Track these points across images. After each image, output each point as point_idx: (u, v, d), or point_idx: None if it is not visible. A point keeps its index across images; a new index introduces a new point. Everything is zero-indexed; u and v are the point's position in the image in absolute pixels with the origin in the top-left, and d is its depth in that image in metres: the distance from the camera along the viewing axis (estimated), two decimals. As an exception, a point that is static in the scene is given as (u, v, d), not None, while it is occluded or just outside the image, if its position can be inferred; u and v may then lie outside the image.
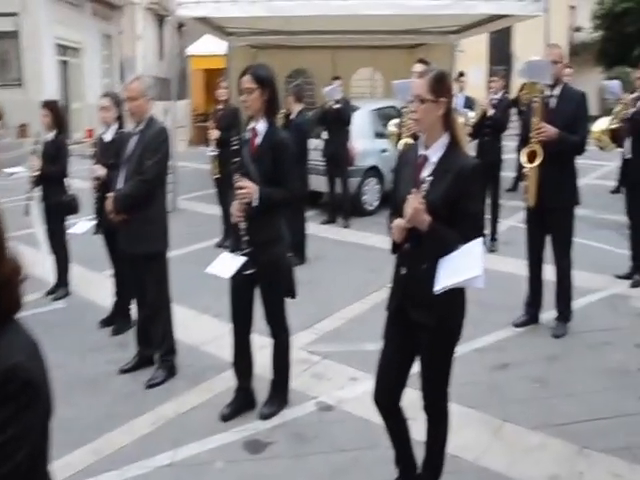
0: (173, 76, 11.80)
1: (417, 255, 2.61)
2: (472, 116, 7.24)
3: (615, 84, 6.18)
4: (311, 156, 8.88)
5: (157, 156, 4.16)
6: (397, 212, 2.62)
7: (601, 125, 6.21)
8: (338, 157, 8.23)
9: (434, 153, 2.61)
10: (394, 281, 2.76)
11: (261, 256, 3.55)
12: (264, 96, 3.53)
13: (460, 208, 2.53)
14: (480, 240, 2.47)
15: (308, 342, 4.82)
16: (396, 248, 2.71)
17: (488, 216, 7.21)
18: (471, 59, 18.36)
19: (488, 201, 7.19)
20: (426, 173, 2.60)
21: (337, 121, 8.13)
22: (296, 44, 15.16)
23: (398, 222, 2.58)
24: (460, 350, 4.52)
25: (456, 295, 2.55)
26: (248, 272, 3.54)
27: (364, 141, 8.90)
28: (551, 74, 4.54)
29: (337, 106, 8.05)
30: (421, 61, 5.61)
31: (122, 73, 21.70)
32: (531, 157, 4.63)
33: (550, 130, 4.51)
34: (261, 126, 3.58)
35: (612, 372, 4.26)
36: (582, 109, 4.65)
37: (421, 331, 2.65)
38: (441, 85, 2.57)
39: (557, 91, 4.69)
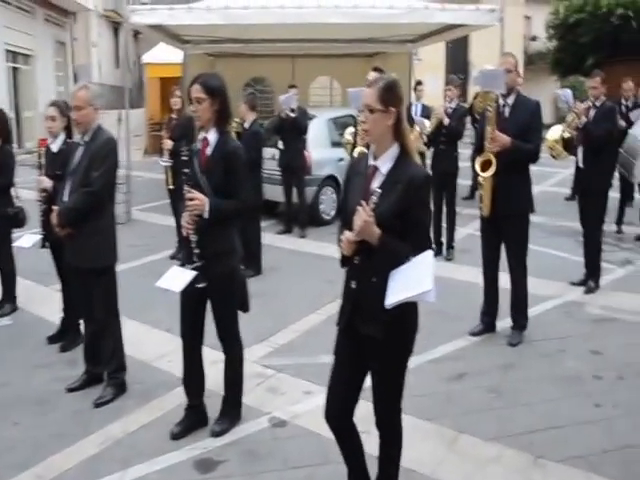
0: (127, 84, 11.61)
1: (367, 268, 2.56)
2: (428, 125, 7.27)
3: (567, 93, 6.27)
4: (267, 165, 8.83)
5: (104, 167, 4.03)
6: (347, 224, 2.56)
7: (554, 134, 6.27)
8: (294, 166, 8.17)
9: (384, 164, 2.56)
10: (344, 295, 2.70)
11: (213, 269, 3.46)
12: (214, 106, 3.45)
13: (410, 219, 2.49)
14: (430, 252, 2.42)
15: (262, 355, 4.72)
16: (346, 261, 2.65)
17: (444, 224, 7.24)
18: (429, 68, 18.55)
19: (444, 209, 7.22)
20: (376, 184, 2.55)
21: (293, 130, 8.07)
22: (254, 52, 15.10)
23: (347, 235, 2.52)
24: (416, 361, 4.52)
25: (407, 308, 2.50)
26: (199, 286, 3.44)
27: (320, 150, 8.85)
28: (504, 83, 4.55)
29: (293, 115, 7.98)
30: (376, 69, 5.58)
31: (76, 81, 21.27)
32: (485, 166, 4.63)
33: (504, 139, 4.52)
34: (212, 136, 3.51)
35: (567, 380, 4.27)
36: (536, 118, 4.67)
37: (372, 346, 2.59)
38: (391, 94, 2.52)
39: (511, 100, 4.71)
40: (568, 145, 6.21)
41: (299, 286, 6.36)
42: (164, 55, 15.82)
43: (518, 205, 4.71)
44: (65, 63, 21.82)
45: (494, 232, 4.83)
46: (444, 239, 7.25)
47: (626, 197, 8.58)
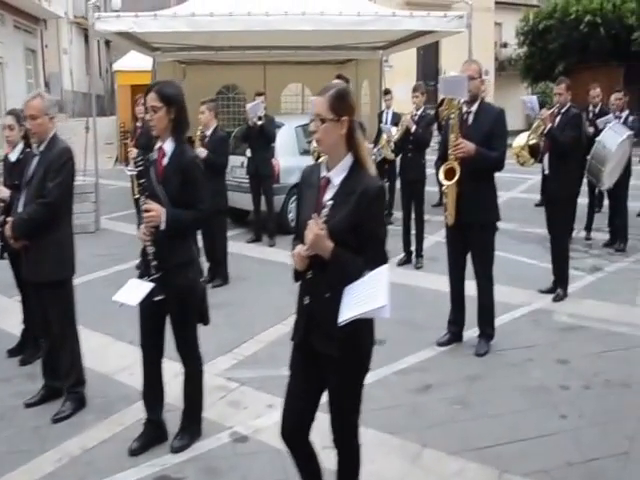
0: (94, 91, 11.45)
1: (320, 283, 2.48)
2: (395, 132, 7.24)
3: (533, 100, 6.26)
4: (236, 173, 8.76)
5: (59, 178, 3.92)
6: (301, 237, 2.48)
7: (520, 141, 6.28)
8: (262, 174, 8.09)
9: (337, 175, 2.49)
10: (298, 311, 2.62)
11: (171, 281, 3.38)
12: (170, 114, 3.37)
13: (365, 232, 2.42)
14: (386, 267, 2.35)
15: (226, 368, 4.63)
16: (298, 276, 2.57)
17: (414, 232, 7.20)
18: (400, 75, 18.60)
19: (413, 217, 7.18)
20: (328, 196, 2.48)
21: (260, 138, 7.98)
22: (225, 60, 15.01)
23: (299, 249, 2.45)
24: (381, 373, 4.47)
25: (362, 323, 2.40)
26: (157, 298, 3.36)
27: (289, 158, 8.76)
28: (468, 90, 4.51)
29: (260, 123, 7.90)
30: (339, 77, 5.55)
31: (47, 88, 20.98)
32: (449, 174, 4.59)
33: (468, 146, 4.49)
34: (168, 146, 3.43)
35: (533, 390, 4.23)
36: (499, 125, 4.63)
37: (327, 362, 2.51)
38: (342, 103, 2.45)
39: (474, 107, 4.68)
40: (534, 152, 6.21)
41: (266, 296, 6.27)
42: (135, 62, 15.67)
43: (483, 214, 4.67)
44: (36, 70, 21.52)
45: (459, 241, 4.79)
46: (413, 247, 7.20)
47: (595, 203, 8.63)
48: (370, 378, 4.33)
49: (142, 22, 8.83)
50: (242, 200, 8.61)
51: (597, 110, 8.11)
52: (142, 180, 3.41)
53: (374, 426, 3.69)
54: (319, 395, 2.63)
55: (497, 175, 9.93)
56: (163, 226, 3.31)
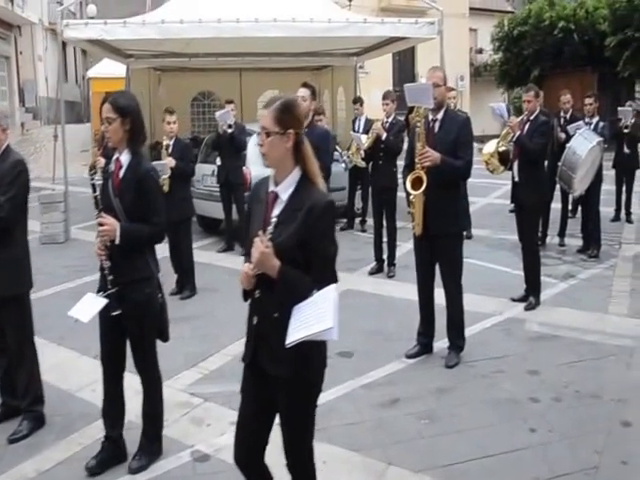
0: (66, 98, 11.27)
1: (268, 303, 2.39)
2: (365, 140, 7.17)
3: (501, 107, 6.21)
4: (207, 182, 8.64)
5: (12, 191, 3.79)
6: (249, 254, 2.38)
7: (489, 148, 6.23)
8: (233, 183, 7.97)
9: (284, 190, 2.40)
10: (247, 331, 2.52)
11: (127, 296, 3.31)
12: (125, 125, 3.30)
13: (313, 250, 2.33)
14: (333, 287, 2.25)
15: (191, 383, 4.51)
16: (247, 295, 2.47)
17: (385, 239, 7.12)
18: (376, 81, 18.62)
19: (385, 225, 7.11)
20: (276, 212, 2.39)
21: (230, 146, 7.87)
22: (201, 66, 14.89)
23: (245, 267, 2.35)
24: (348, 386, 4.38)
25: (313, 343, 2.29)
26: (114, 314, 3.29)
27: (261, 166, 8.57)
28: (433, 97, 4.44)
29: (230, 130, 7.79)
30: (305, 85, 5.45)
31: (22, 96, 20.68)
32: (417, 183, 4.51)
33: (434, 156, 4.41)
34: (125, 157, 3.35)
35: (503, 403, 4.15)
36: (465, 133, 4.57)
37: (277, 384, 2.41)
38: (288, 115, 2.36)
39: (440, 115, 4.61)
40: (504, 159, 6.17)
41: (235, 307, 6.03)
42: (109, 69, 15.52)
43: (450, 224, 4.59)
44: (10, 77, 21.18)
45: (427, 251, 4.71)
46: (386, 256, 7.12)
47: (568, 209, 8.61)
48: (336, 392, 4.31)
49: (111, 29, 8.70)
50: (213, 209, 8.50)
51: (568, 116, 8.10)
52: (96, 193, 3.33)
53: (338, 443, 3.60)
54: (272, 417, 2.53)
55: (472, 181, 9.91)
56: (118, 240, 3.24)
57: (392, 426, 3.86)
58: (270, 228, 2.34)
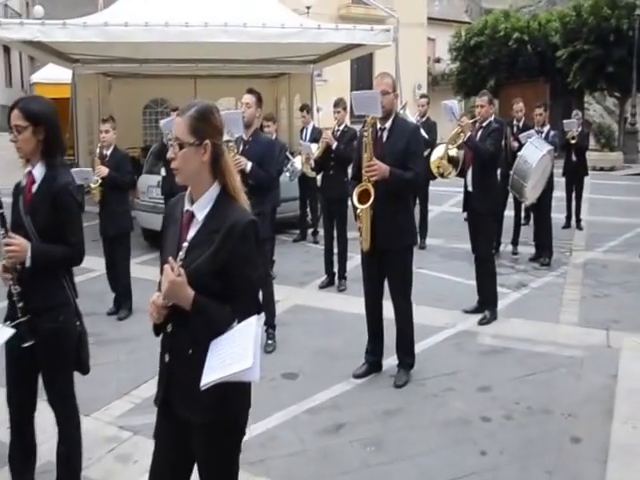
0: (7, 105, 10.78)
1: (182, 338, 2.11)
2: (315, 149, 6.96)
3: (454, 104, 6.02)
4: (152, 194, 8.32)
5: None
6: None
7: (439, 151, 6.09)
8: (178, 193, 7.62)
9: (201, 208, 2.14)
10: (160, 369, 2.24)
11: (40, 325, 2.92)
12: (38, 135, 2.90)
13: (232, 277, 2.07)
14: (254, 320, 1.99)
15: (120, 414, 4.16)
16: (158, 329, 2.20)
17: (336, 251, 6.91)
18: (335, 89, 18.44)
19: (335, 237, 6.89)
20: (191, 234, 2.13)
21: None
22: (155, 73, 14.54)
23: (154, 298, 2.08)
24: (290, 412, 4.12)
25: (234, 384, 2.00)
26: (25, 345, 2.90)
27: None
28: (381, 106, 4.24)
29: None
30: (250, 91, 5.20)
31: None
32: (364, 196, 4.30)
33: (381, 168, 4.19)
34: (38, 171, 2.96)
35: (453, 424, 3.96)
36: (414, 143, 4.37)
37: (194, 430, 2.14)
38: (204, 124, 2.10)
39: (389, 124, 4.40)
40: (455, 163, 6.04)
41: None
42: (55, 74, 14.95)
43: (399, 238, 4.38)
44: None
45: (375, 266, 4.50)
46: (336, 269, 6.90)
47: (521, 217, 8.57)
48: (278, 419, 4.06)
49: (49, 30, 8.26)
50: (158, 222, 8.15)
51: (521, 125, 8.07)
52: (1, 210, 2.91)
53: (276, 476, 3.36)
54: (190, 465, 2.24)
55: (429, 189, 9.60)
56: (28, 263, 2.85)
57: (336, 455, 3.62)
58: (181, 253, 2.08)
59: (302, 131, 8.44)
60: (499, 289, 6.10)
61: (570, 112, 10.33)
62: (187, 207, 2.17)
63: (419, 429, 3.91)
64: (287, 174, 8.31)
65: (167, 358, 2.17)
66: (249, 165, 5.00)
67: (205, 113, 2.11)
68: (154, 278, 6.77)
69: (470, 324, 5.69)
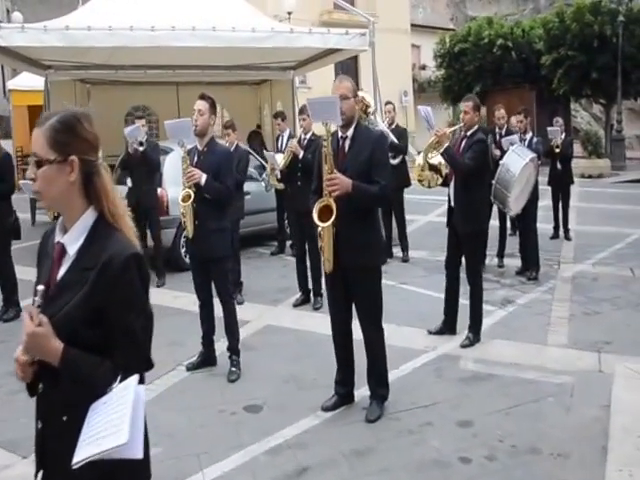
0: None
1: (54, 401, 1.71)
2: (280, 160, 6.55)
3: (427, 110, 5.59)
4: (120, 205, 7.87)
5: None
6: None
7: (419, 162, 5.69)
8: (146, 206, 7.21)
9: (73, 241, 1.74)
10: (35, 438, 1.82)
11: None
12: None
13: (111, 324, 1.68)
14: (134, 380, 1.58)
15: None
16: (31, 390, 1.78)
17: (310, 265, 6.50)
18: (318, 95, 18.08)
19: (307, 251, 6.48)
20: (62, 272, 1.73)
21: (142, 165, 7.12)
22: (136, 80, 14.13)
23: (17, 353, 1.67)
24: (250, 452, 3.62)
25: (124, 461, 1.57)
26: None
27: (179, 187, 7.92)
28: (341, 112, 3.82)
29: (141, 149, 7.06)
30: (203, 97, 4.82)
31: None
32: (324, 213, 3.88)
33: (343, 182, 3.76)
34: None
35: (428, 467, 3.54)
36: (380, 152, 3.95)
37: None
38: (69, 136, 1.71)
39: (350, 132, 3.98)
40: (438, 171, 5.65)
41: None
42: (32, 81, 14.47)
43: (365, 257, 3.95)
44: None
45: (340, 285, 4.06)
46: (311, 285, 6.48)
47: (507, 228, 8.17)
48: (235, 461, 3.59)
49: (7, 35, 7.81)
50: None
51: (503, 132, 7.68)
52: None
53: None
54: None
55: (411, 198, 9.28)
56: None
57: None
58: (38, 298, 1.66)
59: (278, 139, 8.03)
60: (484, 306, 5.71)
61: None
62: (57, 238, 1.76)
63: (390, 473, 3.48)
64: (263, 184, 7.91)
65: (39, 425, 1.76)
66: (204, 178, 4.62)
67: (69, 123, 1.71)
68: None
69: (452, 347, 5.28)
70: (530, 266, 7.36)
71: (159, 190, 7.25)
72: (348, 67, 20.66)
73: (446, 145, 5.21)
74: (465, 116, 5.37)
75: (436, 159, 5.54)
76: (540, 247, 7.56)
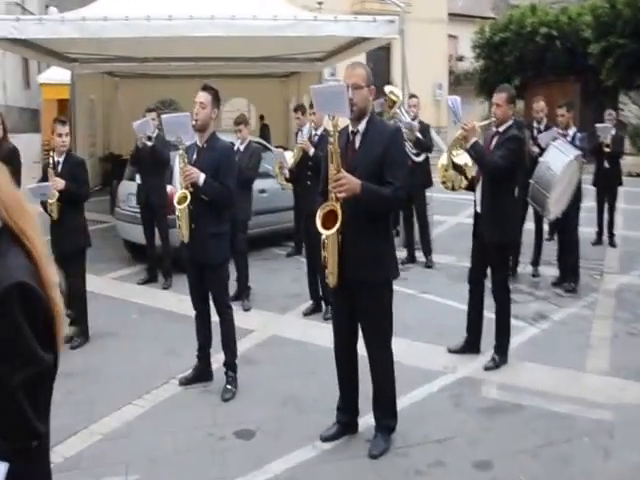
0: (23, 106, 10.13)
1: None
2: (290, 158, 6.06)
3: (455, 100, 5.03)
4: (131, 202, 7.54)
5: None
6: None
7: (442, 161, 5.13)
8: (154, 204, 6.82)
9: None
10: None
11: None
12: None
13: None
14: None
15: None
16: None
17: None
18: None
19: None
20: None
21: (151, 161, 6.72)
22: (163, 73, 13.86)
23: None
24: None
25: None
26: None
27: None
28: (350, 104, 3.30)
29: (149, 143, 6.65)
30: (205, 88, 4.39)
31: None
32: (329, 219, 3.38)
33: (351, 184, 3.27)
34: None
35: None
36: (395, 149, 3.42)
37: None
38: None
39: (362, 126, 3.48)
40: (464, 172, 5.09)
41: (129, 360, 5.01)
42: (62, 75, 14.28)
43: (375, 270, 3.45)
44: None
45: (347, 302, 3.57)
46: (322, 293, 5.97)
47: (543, 232, 7.45)
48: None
49: (23, 27, 7.53)
50: (136, 233, 7.38)
51: (542, 127, 6.96)
52: None
53: None
54: None
55: (439, 196, 8.67)
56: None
57: None
58: None
59: (297, 134, 7.53)
60: (513, 322, 5.13)
61: (602, 114, 9.17)
62: None
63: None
64: (278, 182, 7.42)
65: None
66: (202, 177, 4.18)
67: None
68: (122, 296, 5.96)
69: (474, 369, 4.73)
70: (568, 276, 6.66)
71: (169, 187, 6.82)
72: (380, 59, 20.02)
73: (474, 140, 4.65)
74: (497, 109, 4.76)
75: (462, 158, 4.95)
76: (581, 255, 6.86)
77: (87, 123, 13.86)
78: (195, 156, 4.33)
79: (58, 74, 15.31)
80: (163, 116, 4.50)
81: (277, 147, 8.30)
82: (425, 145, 7.49)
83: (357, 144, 3.48)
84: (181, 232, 4.36)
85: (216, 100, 4.35)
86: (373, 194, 3.33)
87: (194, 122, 4.25)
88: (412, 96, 7.90)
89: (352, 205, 3.33)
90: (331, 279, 3.47)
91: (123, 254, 8.20)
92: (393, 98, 7.81)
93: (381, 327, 3.57)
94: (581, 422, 3.94)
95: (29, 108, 22.66)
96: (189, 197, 4.22)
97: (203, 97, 4.30)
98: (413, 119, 7.58)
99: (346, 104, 3.28)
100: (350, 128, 3.53)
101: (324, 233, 3.37)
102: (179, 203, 4.27)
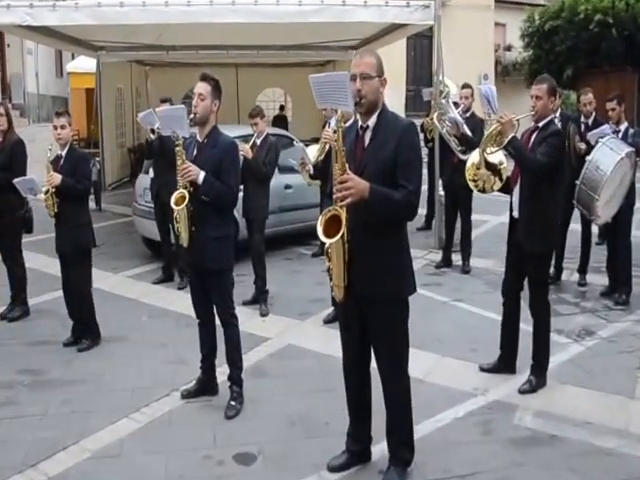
0: (55, 95, 9.96)
1: None
2: (313, 154, 5.63)
3: (489, 89, 4.53)
4: (148, 197, 7.22)
5: None
6: None
7: (473, 159, 4.62)
8: (164, 199, 6.46)
9: None
10: None
11: None
12: None
13: None
14: None
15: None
16: None
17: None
18: (388, 79, 16.92)
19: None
20: None
21: (161, 155, 6.37)
22: (194, 61, 13.58)
23: None
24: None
25: None
26: None
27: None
28: (354, 96, 2.92)
29: (153, 136, 6.28)
30: (204, 78, 4.02)
31: (9, 91, 19.53)
32: (332, 226, 2.94)
33: (358, 185, 2.82)
34: None
35: None
36: (407, 148, 2.95)
37: None
38: None
39: (372, 121, 3.03)
40: (498, 172, 4.58)
41: (135, 367, 4.68)
42: (89, 63, 14.13)
43: (387, 286, 3.01)
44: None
45: (356, 322, 3.14)
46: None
47: (591, 236, 6.80)
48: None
49: (38, 14, 7.32)
50: (152, 229, 7.06)
51: (590, 122, 6.30)
52: None
53: None
54: None
55: (481, 195, 8.03)
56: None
57: None
58: None
59: (324, 127, 7.08)
60: (554, 337, 4.61)
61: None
62: None
63: None
64: (304, 177, 6.98)
65: None
66: (201, 175, 3.82)
67: None
68: (136, 297, 5.56)
69: (507, 391, 4.21)
70: (619, 287, 6.01)
71: (179, 182, 6.48)
72: (422, 47, 19.36)
73: (511, 136, 4.13)
74: (537, 102, 4.22)
75: (496, 156, 4.44)
76: (633, 263, 6.15)
77: (115, 113, 13.70)
78: (195, 152, 3.97)
79: (86, 63, 15.23)
80: (157, 109, 4.16)
81: (302, 142, 7.85)
82: (472, 143, 6.84)
83: (366, 141, 3.05)
84: (180, 236, 4.01)
85: (216, 91, 3.98)
86: (382, 198, 2.87)
87: (193, 115, 3.89)
88: (465, 86, 7.26)
89: (360, 210, 2.88)
90: (337, 293, 3.04)
91: (142, 250, 7.91)
92: (440, 88, 7.28)
93: (394, 350, 3.11)
94: (629, 461, 3.40)
95: (61, 97, 22.69)
96: (188, 197, 3.87)
97: (202, 88, 3.93)
98: (466, 112, 6.99)
99: (348, 95, 2.90)
100: (359, 123, 3.08)
101: (326, 241, 2.93)
102: (177, 204, 3.95)
